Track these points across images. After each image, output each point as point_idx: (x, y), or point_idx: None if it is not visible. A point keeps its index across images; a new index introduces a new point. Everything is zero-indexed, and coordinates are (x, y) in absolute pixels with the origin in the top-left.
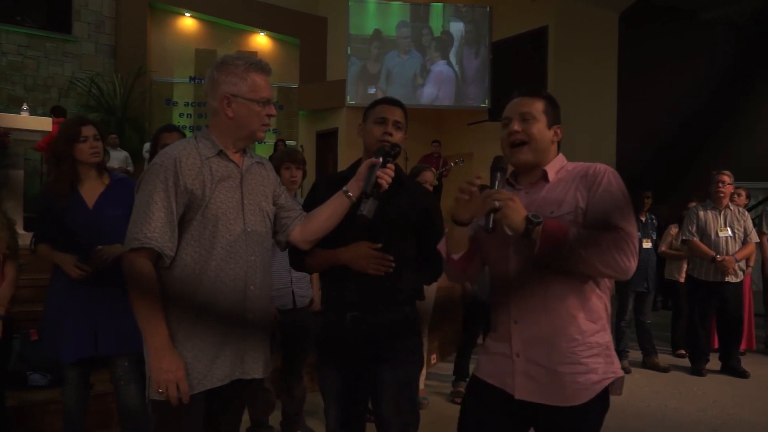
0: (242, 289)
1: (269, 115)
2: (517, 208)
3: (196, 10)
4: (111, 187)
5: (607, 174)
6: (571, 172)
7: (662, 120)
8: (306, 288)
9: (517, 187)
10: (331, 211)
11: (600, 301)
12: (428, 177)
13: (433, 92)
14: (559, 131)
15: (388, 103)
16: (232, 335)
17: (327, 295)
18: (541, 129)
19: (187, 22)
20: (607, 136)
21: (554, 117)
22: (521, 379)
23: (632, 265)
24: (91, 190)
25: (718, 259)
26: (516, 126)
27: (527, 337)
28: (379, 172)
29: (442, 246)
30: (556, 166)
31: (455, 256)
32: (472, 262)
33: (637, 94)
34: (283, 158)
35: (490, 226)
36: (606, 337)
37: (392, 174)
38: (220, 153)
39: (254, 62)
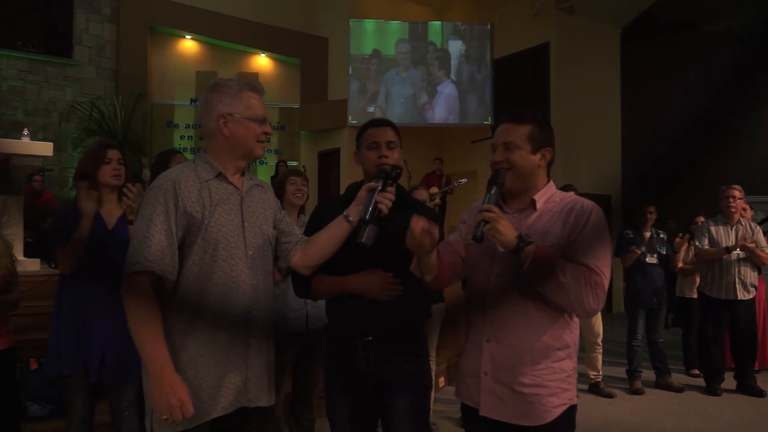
0: (245, 314)
1: (265, 133)
2: (508, 225)
3: (197, 32)
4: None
5: (593, 213)
6: (559, 204)
7: (668, 134)
8: (322, 310)
9: (505, 209)
10: (331, 236)
11: (571, 332)
12: (422, 196)
13: (434, 113)
14: (547, 154)
15: (376, 125)
16: (235, 361)
17: (334, 322)
18: (523, 156)
19: (188, 45)
20: (612, 152)
21: (541, 141)
22: (486, 396)
23: (598, 307)
24: (111, 213)
25: (743, 244)
26: (498, 156)
27: (497, 356)
28: (378, 197)
29: (414, 269)
30: (546, 195)
31: (428, 278)
32: (447, 273)
33: (641, 108)
34: (287, 174)
35: (479, 234)
36: (570, 365)
37: (392, 198)
38: (219, 175)
39: (247, 82)
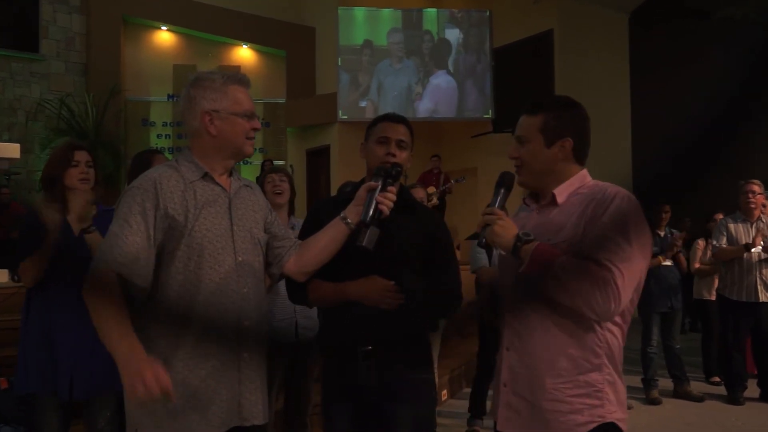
0: (235, 325)
1: (254, 129)
2: (505, 226)
3: (173, 23)
4: (97, 217)
5: (616, 201)
6: (586, 195)
7: (680, 125)
8: (312, 319)
9: (530, 207)
10: (328, 240)
11: (598, 337)
12: (420, 195)
13: (429, 106)
14: (566, 145)
15: (390, 120)
16: (226, 377)
17: (331, 330)
18: (533, 150)
19: (164, 36)
20: (622, 144)
21: (557, 131)
22: (504, 410)
23: (610, 307)
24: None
25: (758, 240)
26: (513, 151)
27: (515, 366)
28: (378, 197)
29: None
30: (572, 187)
31: None
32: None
33: (652, 98)
34: (264, 174)
35: (483, 240)
36: (600, 378)
37: (394, 198)
38: (206, 176)
39: (232, 75)
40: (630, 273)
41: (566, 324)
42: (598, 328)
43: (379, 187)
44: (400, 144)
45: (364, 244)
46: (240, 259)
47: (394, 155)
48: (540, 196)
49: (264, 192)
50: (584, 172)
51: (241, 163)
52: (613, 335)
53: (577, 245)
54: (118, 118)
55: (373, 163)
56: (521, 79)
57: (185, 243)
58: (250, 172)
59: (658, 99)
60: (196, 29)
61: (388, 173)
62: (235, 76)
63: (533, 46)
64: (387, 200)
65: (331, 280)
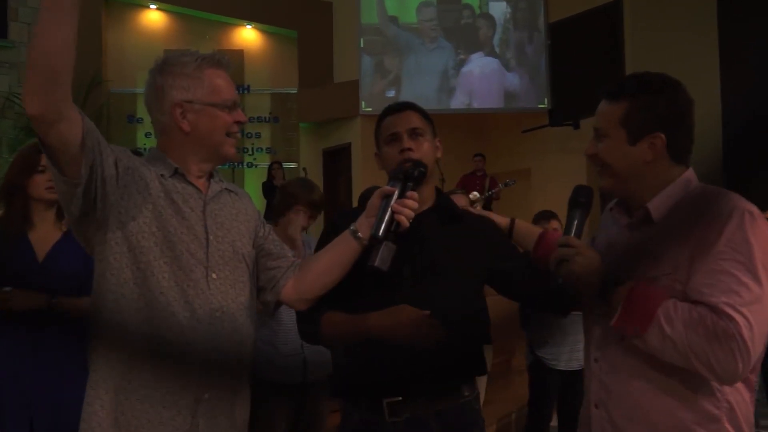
0: (198, 358)
1: (238, 122)
2: (587, 264)
3: (164, 0)
4: (68, 234)
5: (734, 220)
6: (692, 208)
7: None
8: (324, 354)
9: (621, 220)
10: (334, 259)
11: (716, 396)
12: (461, 202)
13: (464, 99)
14: (657, 141)
15: (392, 111)
16: (176, 422)
17: (350, 374)
18: (613, 148)
19: (153, 17)
20: (710, 138)
21: (644, 123)
22: None
23: (737, 368)
24: (44, 239)
25: None
26: (589, 147)
27: (606, 429)
28: (395, 206)
29: None
30: (673, 197)
31: None
32: None
33: (747, 81)
34: (293, 199)
35: (560, 280)
36: None
37: (415, 205)
38: (176, 173)
39: (207, 56)
40: (760, 318)
41: (670, 381)
42: (715, 384)
43: (397, 192)
44: (414, 133)
45: (375, 264)
46: (214, 276)
47: (410, 149)
48: (630, 207)
49: (287, 212)
50: (688, 174)
51: (245, 166)
52: (737, 391)
53: (684, 282)
54: (100, 114)
55: (391, 168)
56: (583, 60)
57: (120, 237)
58: (254, 176)
59: (755, 79)
60: (190, 7)
61: (408, 175)
62: (212, 57)
63: (598, 20)
64: (406, 209)
65: (353, 310)
